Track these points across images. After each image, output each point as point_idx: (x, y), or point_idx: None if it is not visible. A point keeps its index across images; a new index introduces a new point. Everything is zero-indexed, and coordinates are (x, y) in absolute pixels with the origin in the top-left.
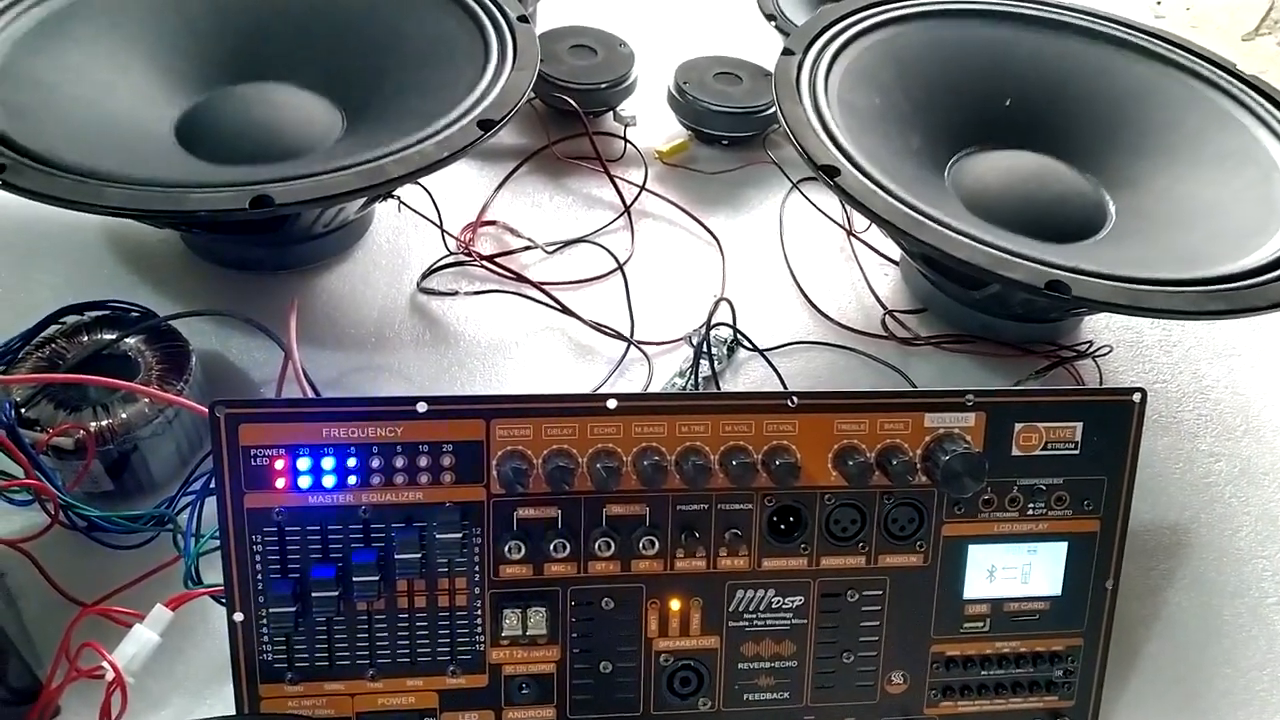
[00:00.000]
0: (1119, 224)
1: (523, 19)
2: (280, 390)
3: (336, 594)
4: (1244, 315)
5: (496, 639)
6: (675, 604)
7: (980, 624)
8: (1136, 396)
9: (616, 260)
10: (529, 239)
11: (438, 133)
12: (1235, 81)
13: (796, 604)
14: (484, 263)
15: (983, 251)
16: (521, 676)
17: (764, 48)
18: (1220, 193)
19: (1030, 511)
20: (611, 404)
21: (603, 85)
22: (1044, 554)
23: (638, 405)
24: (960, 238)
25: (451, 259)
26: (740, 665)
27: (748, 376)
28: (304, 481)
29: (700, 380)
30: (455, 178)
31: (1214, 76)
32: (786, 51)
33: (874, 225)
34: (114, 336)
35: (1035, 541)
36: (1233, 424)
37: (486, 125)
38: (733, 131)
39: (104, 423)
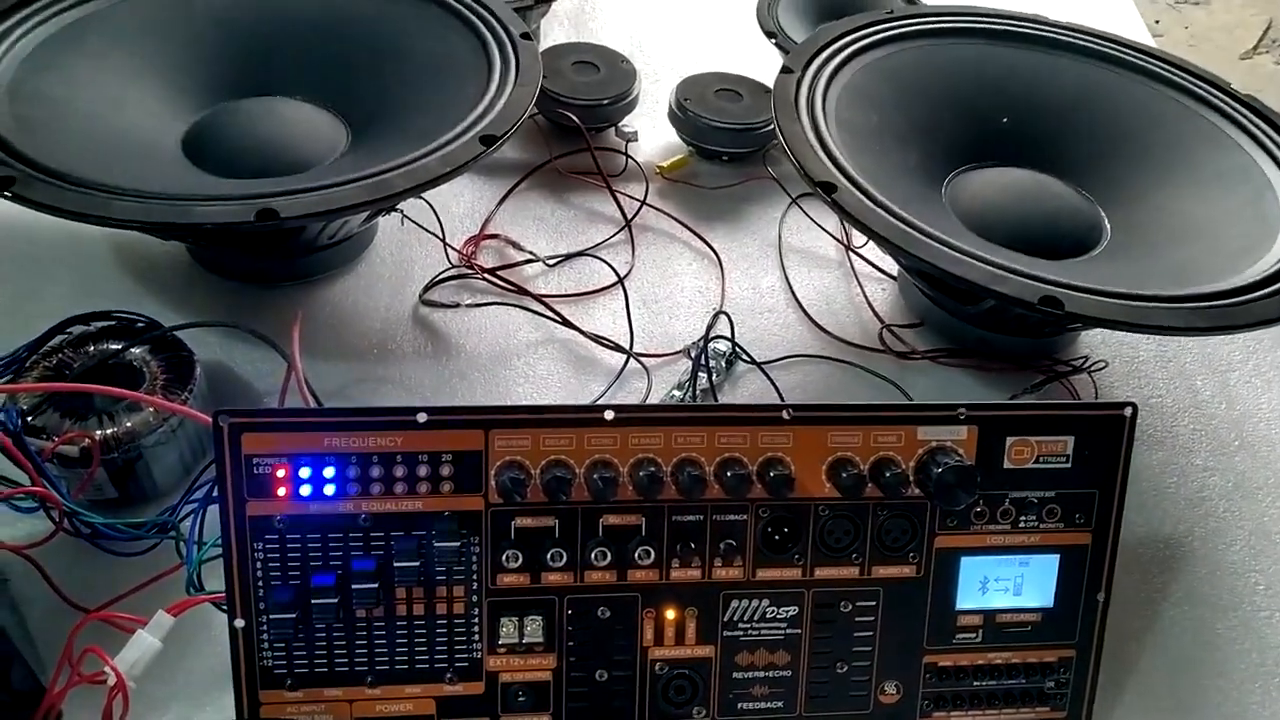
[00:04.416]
0: (1114, 240)
1: (526, 36)
2: (283, 400)
3: (336, 601)
4: (1237, 331)
5: (494, 647)
6: (671, 613)
7: (973, 635)
8: (1127, 411)
9: (617, 274)
10: (530, 252)
11: (441, 148)
12: (1230, 101)
13: (791, 614)
14: (486, 275)
15: (978, 267)
16: (518, 684)
17: (764, 64)
18: (1214, 210)
19: (1022, 524)
20: (609, 415)
21: (605, 101)
22: (1036, 566)
23: (634, 417)
24: (956, 254)
25: (454, 272)
26: (735, 675)
27: (746, 389)
28: (305, 490)
29: (698, 392)
30: (458, 192)
31: (1210, 96)
32: (785, 69)
33: (871, 241)
34: (120, 346)
35: (1027, 554)
36: (1227, 439)
37: (489, 140)
38: (733, 147)
39: (109, 431)
